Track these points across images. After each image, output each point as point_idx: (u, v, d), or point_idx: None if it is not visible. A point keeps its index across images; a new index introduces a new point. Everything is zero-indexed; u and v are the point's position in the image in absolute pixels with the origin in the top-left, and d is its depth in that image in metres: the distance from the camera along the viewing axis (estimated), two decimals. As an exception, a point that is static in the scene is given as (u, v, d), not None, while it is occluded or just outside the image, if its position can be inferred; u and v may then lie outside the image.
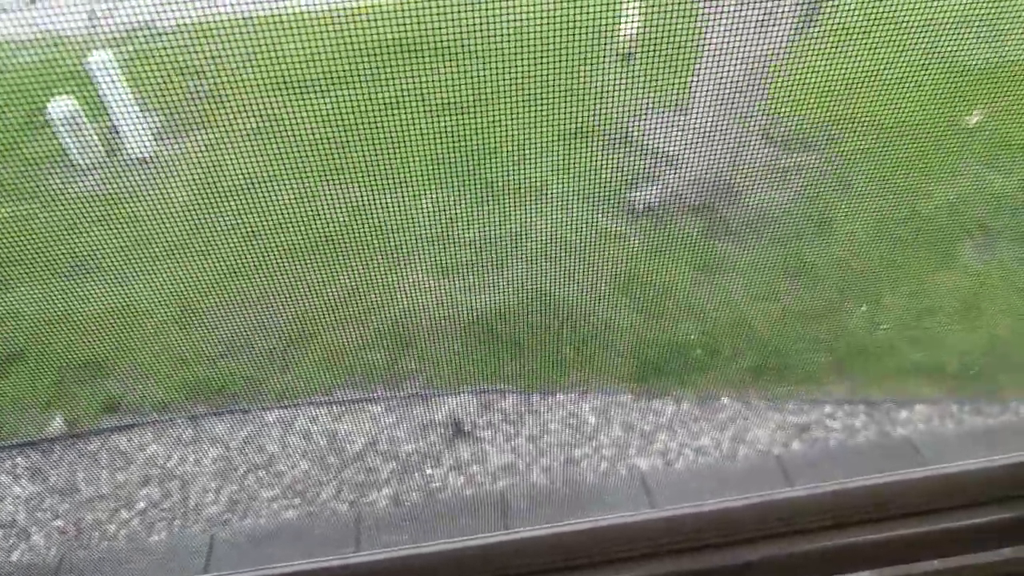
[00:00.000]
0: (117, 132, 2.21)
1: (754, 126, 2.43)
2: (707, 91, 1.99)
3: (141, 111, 2.09)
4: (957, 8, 1.45)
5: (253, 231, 1.87)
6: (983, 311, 2.51)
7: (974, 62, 1.88)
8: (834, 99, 1.80)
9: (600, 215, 2.68)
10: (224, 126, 1.80)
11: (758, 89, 2.16)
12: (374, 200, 2.13)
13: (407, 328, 2.57)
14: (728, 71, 1.65)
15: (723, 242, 2.72)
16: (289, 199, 2.10)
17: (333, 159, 2.13)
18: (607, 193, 2.78)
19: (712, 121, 1.91)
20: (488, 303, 2.55)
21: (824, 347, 2.63)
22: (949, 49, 1.91)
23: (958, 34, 1.90)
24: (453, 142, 1.87)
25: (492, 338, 2.59)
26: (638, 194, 2.86)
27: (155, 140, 2.29)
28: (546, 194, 2.42)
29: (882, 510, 1.21)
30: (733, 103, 2.07)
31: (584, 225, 2.60)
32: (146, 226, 2.00)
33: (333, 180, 2.13)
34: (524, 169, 2.33)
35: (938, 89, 1.85)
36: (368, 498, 2.38)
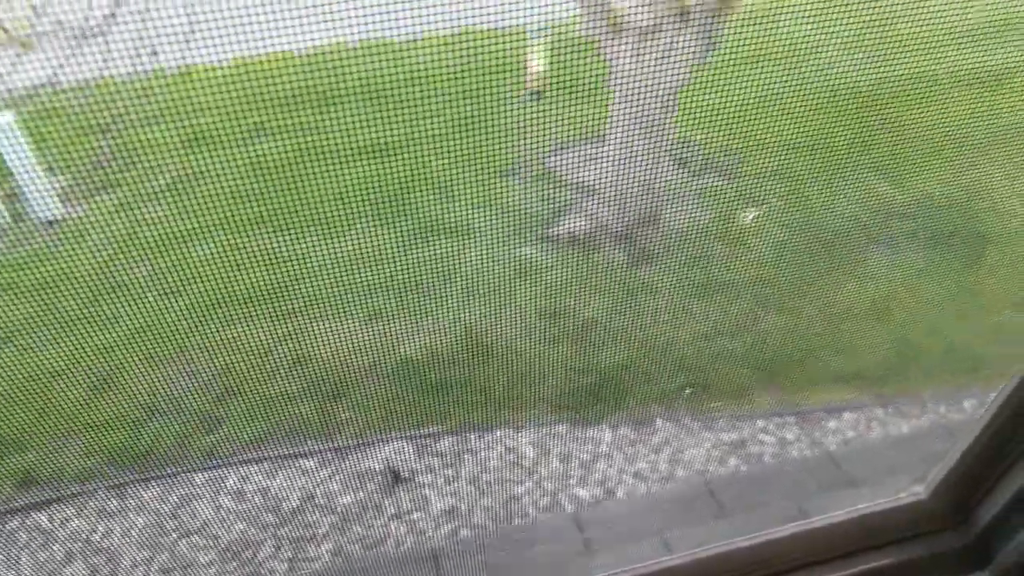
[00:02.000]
0: (22, 195, 2.18)
1: (667, 153, 2.52)
2: (620, 123, 2.05)
3: (46, 172, 2.06)
4: (844, 32, 1.53)
5: (171, 288, 1.86)
6: (893, 314, 2.62)
7: (861, 81, 1.99)
8: (738, 122, 1.86)
9: (526, 248, 2.74)
10: (135, 184, 1.82)
11: (668, 117, 2.22)
12: (296, 248, 2.14)
13: (337, 377, 2.56)
14: (636, 102, 1.70)
15: (645, 267, 2.79)
16: (207, 254, 2.06)
17: (252, 210, 2.14)
18: (532, 227, 2.84)
19: (626, 151, 1.98)
20: (418, 345, 2.57)
21: (749, 361, 2.70)
22: (840, 70, 2.01)
23: (848, 55, 2.00)
24: (374, 187, 1.91)
25: (424, 381, 2.61)
26: (562, 226, 2.92)
27: (62, 201, 2.26)
28: (471, 233, 2.42)
29: (765, 567, 1.26)
30: (645, 133, 2.13)
31: (511, 260, 2.62)
32: (56, 290, 1.96)
33: (253, 231, 2.15)
34: (447, 210, 2.39)
35: (833, 107, 1.93)
36: (307, 554, 2.36)
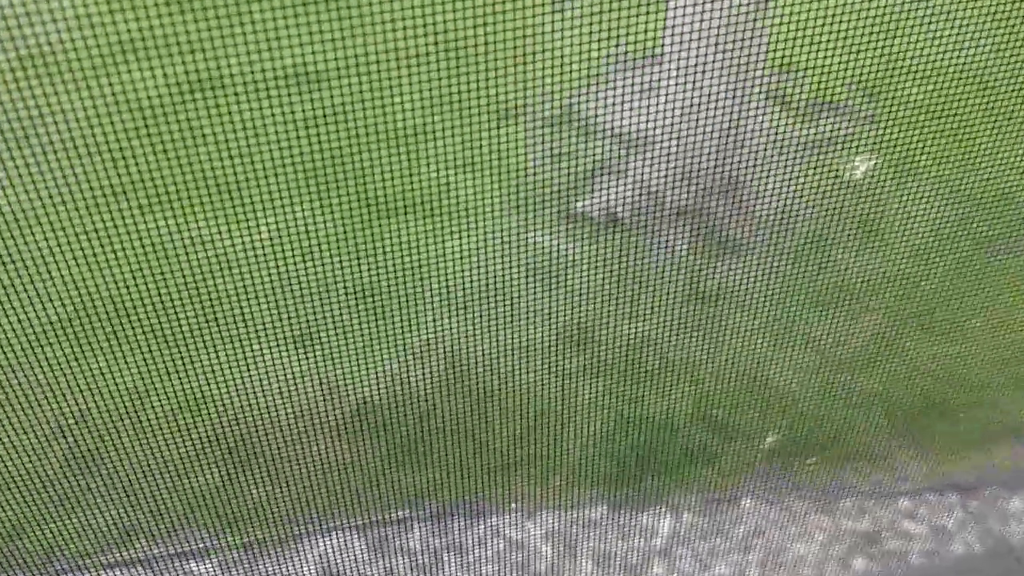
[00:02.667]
0: None
1: (757, 85, 2.49)
2: (684, 34, 1.95)
3: None
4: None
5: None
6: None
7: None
8: (876, 37, 1.80)
9: (540, 235, 2.68)
10: None
11: (760, 29, 2.24)
12: (180, 237, 2.24)
13: (246, 436, 2.38)
14: (715, 6, 1.72)
15: (722, 261, 2.79)
16: (35, 247, 1.92)
17: (102, 179, 2.01)
18: (548, 200, 2.75)
19: (694, 80, 1.93)
20: (374, 384, 2.44)
21: (885, 408, 2.69)
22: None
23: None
24: (298, 139, 1.88)
25: (385, 438, 2.57)
26: (594, 199, 2.93)
27: None
28: (454, 211, 2.43)
29: None
30: (724, 52, 2.13)
31: (516, 253, 2.55)
32: None
33: (107, 210, 1.97)
34: (417, 175, 2.38)
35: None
36: None
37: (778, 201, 2.50)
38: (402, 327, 2.48)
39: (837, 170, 2.68)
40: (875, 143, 2.74)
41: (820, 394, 2.72)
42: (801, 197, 2.57)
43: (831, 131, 2.85)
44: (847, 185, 2.72)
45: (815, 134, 2.84)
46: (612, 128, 2.78)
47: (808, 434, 2.73)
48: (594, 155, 2.87)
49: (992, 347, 2.59)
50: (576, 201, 2.96)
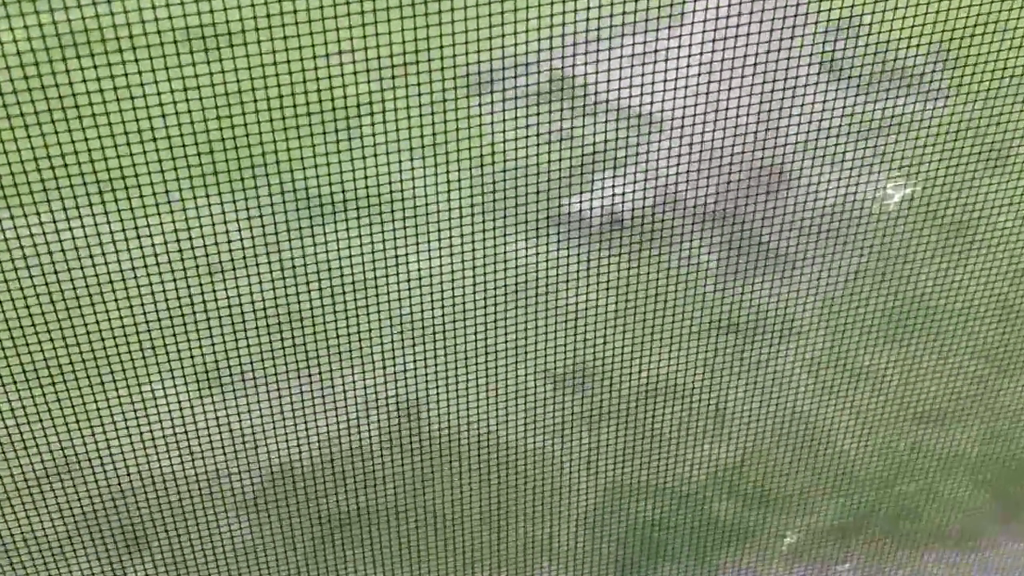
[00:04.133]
0: None
1: (804, 48, 2.43)
2: None
3: None
4: None
5: None
6: None
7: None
8: None
9: (522, 242, 2.64)
10: None
11: None
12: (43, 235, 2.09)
13: (128, 508, 2.46)
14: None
15: (761, 280, 2.86)
16: None
17: None
18: (534, 199, 2.63)
19: (724, 43, 2.01)
20: (303, 440, 2.46)
21: (979, 475, 2.77)
22: None
23: None
24: (200, 114, 1.93)
25: (316, 511, 2.59)
26: (595, 198, 2.98)
27: None
28: (408, 211, 2.46)
29: None
30: (762, 5, 2.19)
31: (489, 267, 2.47)
32: None
33: None
34: (358, 163, 2.32)
35: None
36: None
37: (836, 199, 2.49)
38: (340, 365, 2.49)
39: (909, 160, 2.67)
40: (968, 121, 2.70)
41: (890, 454, 2.77)
42: (867, 194, 2.57)
43: (902, 108, 2.87)
44: (923, 179, 2.71)
45: (883, 111, 2.85)
46: (617, 102, 2.73)
47: (874, 507, 2.80)
48: (594, 138, 2.88)
49: None
50: (569, 199, 3.01)
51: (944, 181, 2.63)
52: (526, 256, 2.69)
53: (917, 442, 2.84)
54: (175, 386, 2.44)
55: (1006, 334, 2.78)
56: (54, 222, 2.16)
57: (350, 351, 2.49)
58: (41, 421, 2.34)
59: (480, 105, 2.92)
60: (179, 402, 2.35)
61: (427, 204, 2.51)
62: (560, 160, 2.72)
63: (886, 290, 2.74)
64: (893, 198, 2.86)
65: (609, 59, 2.38)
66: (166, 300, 2.35)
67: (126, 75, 1.84)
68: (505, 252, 2.67)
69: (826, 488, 2.80)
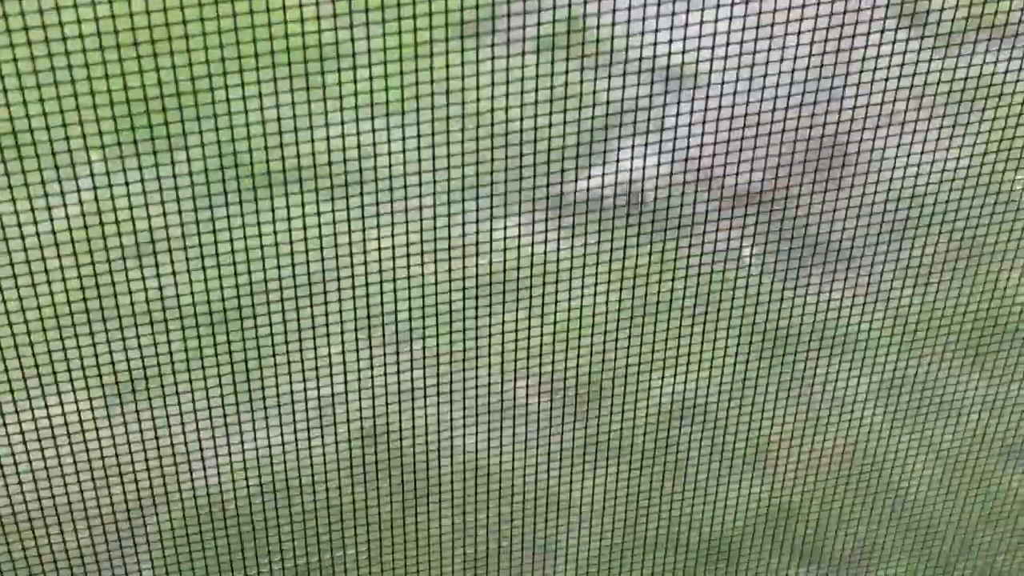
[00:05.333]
0: None
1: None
2: None
3: None
4: None
5: None
6: None
7: None
8: None
9: (514, 227, 2.64)
10: None
11: None
12: None
13: (31, 549, 2.47)
14: None
15: (814, 279, 2.90)
16: None
17: None
18: (531, 174, 2.60)
19: None
20: (245, 468, 2.56)
21: None
22: None
23: None
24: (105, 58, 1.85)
25: (264, 560, 2.62)
26: (607, 173, 3.10)
27: None
28: (376, 185, 2.38)
29: None
30: None
31: (477, 256, 2.53)
32: None
33: None
34: (322, 119, 2.28)
35: None
36: None
37: (912, 182, 2.54)
38: (288, 379, 2.58)
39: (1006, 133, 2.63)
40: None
41: (974, 500, 2.78)
42: (947, 175, 2.58)
43: (995, 70, 2.79)
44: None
45: (978, 70, 2.75)
46: (639, 57, 2.69)
47: (952, 562, 2.82)
48: (607, 100, 2.78)
49: None
50: (577, 174, 3.03)
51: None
52: (521, 243, 2.73)
53: (1008, 486, 2.72)
54: (75, 400, 2.39)
55: None
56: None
57: (300, 356, 2.56)
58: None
59: (477, 48, 2.76)
60: (81, 418, 2.35)
61: (403, 177, 2.48)
62: (565, 124, 2.66)
63: (976, 299, 2.72)
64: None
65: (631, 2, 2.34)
66: (66, 291, 2.26)
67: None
68: (496, 237, 2.61)
69: (894, 541, 2.81)
